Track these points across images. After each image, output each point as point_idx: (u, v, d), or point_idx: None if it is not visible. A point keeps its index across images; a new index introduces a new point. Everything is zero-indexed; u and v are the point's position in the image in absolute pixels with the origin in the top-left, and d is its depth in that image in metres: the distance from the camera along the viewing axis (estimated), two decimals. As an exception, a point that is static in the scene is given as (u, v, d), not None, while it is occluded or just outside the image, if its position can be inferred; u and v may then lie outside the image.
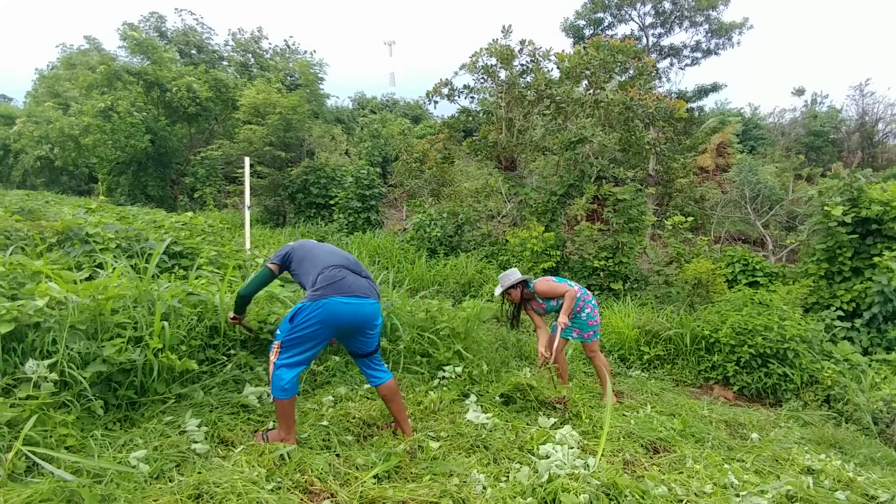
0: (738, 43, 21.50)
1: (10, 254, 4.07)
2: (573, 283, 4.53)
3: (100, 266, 4.30)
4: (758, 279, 9.77)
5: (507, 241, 10.58)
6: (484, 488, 2.45)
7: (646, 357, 6.21)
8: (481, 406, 3.67)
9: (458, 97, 12.64)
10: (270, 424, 2.96)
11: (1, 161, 18.13)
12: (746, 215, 16.32)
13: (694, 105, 22.14)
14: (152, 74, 16.80)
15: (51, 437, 2.34)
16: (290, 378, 2.67)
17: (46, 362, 2.51)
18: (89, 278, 3.96)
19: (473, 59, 11.91)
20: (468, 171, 16.47)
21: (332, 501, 2.31)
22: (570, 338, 4.55)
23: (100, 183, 16.62)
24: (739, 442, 3.97)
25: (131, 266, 4.14)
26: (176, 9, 23.12)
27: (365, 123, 22.78)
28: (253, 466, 2.43)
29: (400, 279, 7.68)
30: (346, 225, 13.83)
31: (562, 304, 4.37)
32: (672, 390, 5.46)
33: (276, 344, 2.72)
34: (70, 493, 2.05)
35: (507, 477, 2.61)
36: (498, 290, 4.58)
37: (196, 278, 4.14)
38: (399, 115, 28.52)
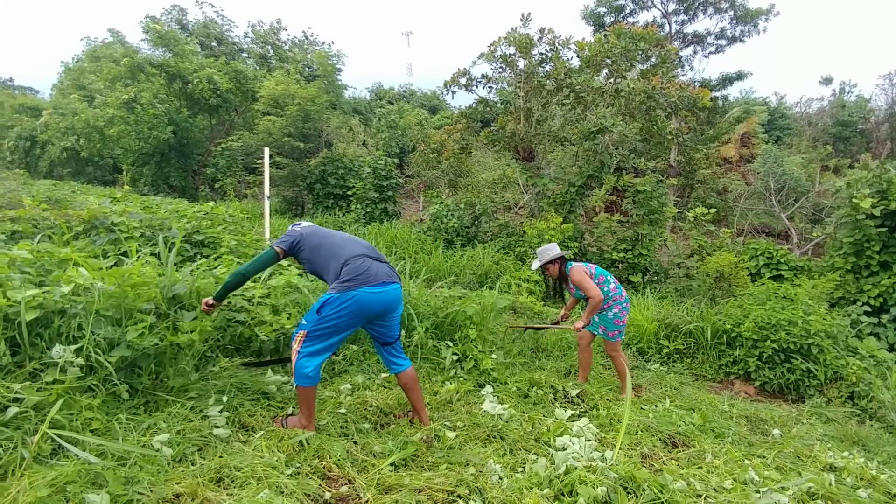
0: (763, 30, 20.86)
1: (38, 242, 4.18)
2: (610, 278, 4.40)
3: (124, 254, 4.39)
4: (782, 273, 9.55)
5: (524, 232, 10.51)
6: (500, 478, 2.46)
7: (665, 351, 6.12)
8: (497, 397, 3.67)
9: (476, 87, 12.51)
10: (290, 410, 3.01)
11: (28, 152, 18.60)
12: (771, 207, 15.92)
13: (718, 94, 21.59)
14: (174, 66, 17.03)
15: (76, 420, 2.40)
16: (314, 366, 2.70)
17: (73, 347, 2.57)
18: (115, 266, 4.06)
19: (491, 48, 11.77)
20: (485, 161, 16.37)
21: (349, 487, 2.34)
22: (595, 333, 4.42)
23: (124, 173, 16.96)
24: (760, 438, 3.90)
25: (154, 254, 4.22)
26: (197, 1, 23.33)
27: (382, 114, 22.80)
28: (273, 452, 2.48)
29: (416, 270, 7.71)
30: (364, 215, 13.90)
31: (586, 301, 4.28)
32: (691, 385, 5.38)
33: (300, 333, 2.73)
34: (95, 475, 2.10)
35: (524, 468, 2.60)
36: (535, 265, 4.43)
37: (216, 267, 4.20)
38: (416, 105, 28.44)
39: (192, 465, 2.32)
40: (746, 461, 3.09)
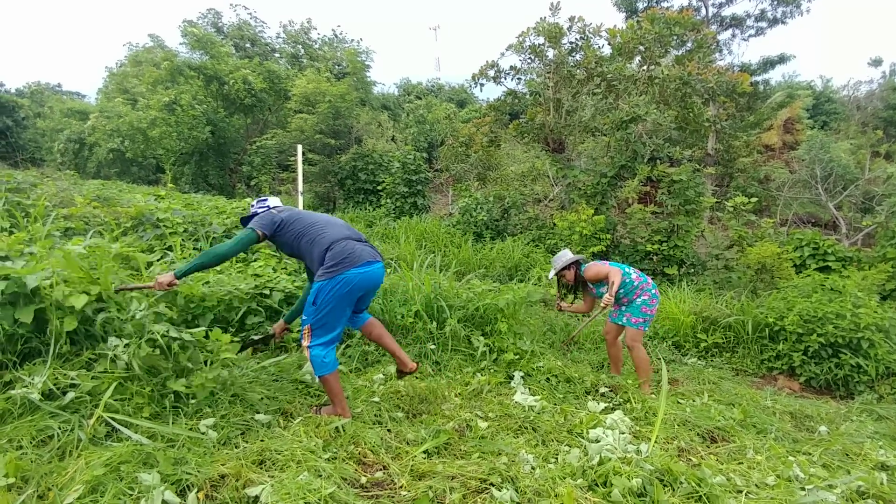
0: (807, 10, 19.73)
1: (90, 238, 4.42)
2: (631, 270, 4.32)
3: (169, 248, 4.58)
4: (829, 264, 9.13)
5: (554, 224, 10.40)
6: (532, 468, 2.46)
7: (702, 345, 5.96)
8: (528, 388, 3.67)
9: (505, 79, 12.43)
10: (326, 399, 3.09)
11: (77, 153, 19.50)
12: (817, 196, 15.21)
13: (759, 78, 20.64)
14: (211, 69, 17.56)
15: (128, 405, 2.53)
16: (328, 354, 2.77)
17: (125, 340, 2.70)
18: (161, 259, 4.25)
19: (520, 39, 11.65)
20: (514, 154, 16.25)
21: (384, 473, 2.39)
22: (621, 322, 4.35)
23: (167, 172, 17.64)
24: (806, 435, 3.75)
25: (197, 248, 4.39)
26: (231, 4, 24.02)
27: (410, 109, 22.89)
28: (310, 437, 2.56)
29: (446, 263, 7.73)
30: (394, 210, 14.03)
31: (618, 291, 4.20)
32: (731, 379, 5.23)
33: (305, 329, 2.78)
34: (146, 455, 2.22)
35: (556, 459, 2.60)
36: (551, 273, 4.46)
37: (255, 260, 4.34)
38: (444, 99, 28.42)
39: (236, 447, 2.41)
40: (791, 458, 2.99)
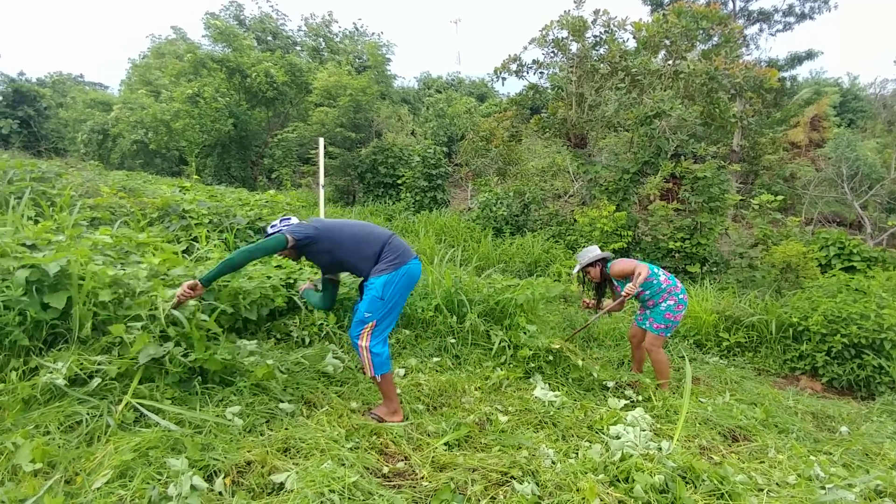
0: (835, 6, 19.24)
1: (117, 227, 4.53)
2: (659, 271, 4.14)
3: (195, 239, 4.67)
4: (854, 264, 8.93)
5: (575, 220, 10.32)
6: (553, 463, 2.47)
7: (724, 344, 5.88)
8: (549, 384, 3.67)
9: (527, 73, 12.33)
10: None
11: (101, 144, 19.83)
12: (843, 195, 14.81)
13: (786, 74, 20.12)
14: (234, 61, 17.75)
15: (156, 391, 2.59)
16: (385, 351, 2.80)
17: (139, 324, 2.74)
18: (186, 250, 4.34)
19: (543, 32, 11.53)
20: (535, 149, 16.14)
21: (406, 464, 2.43)
22: (644, 327, 4.21)
23: (189, 164, 17.92)
24: (827, 434, 3.73)
25: (222, 239, 4.47)
26: (253, -4, 24.19)
27: (430, 103, 22.87)
28: (333, 426, 2.61)
29: (466, 258, 7.74)
30: (413, 204, 14.06)
31: (645, 293, 4.07)
32: (753, 379, 5.16)
33: (367, 326, 2.75)
34: (174, 441, 2.28)
35: (577, 454, 2.60)
36: (576, 268, 4.30)
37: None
38: (464, 93, 28.30)
39: (261, 435, 2.47)
40: (812, 457, 2.96)
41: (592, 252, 4.22)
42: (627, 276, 4.07)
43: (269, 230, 2.93)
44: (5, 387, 2.46)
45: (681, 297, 4.07)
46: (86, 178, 7.52)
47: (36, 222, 4.13)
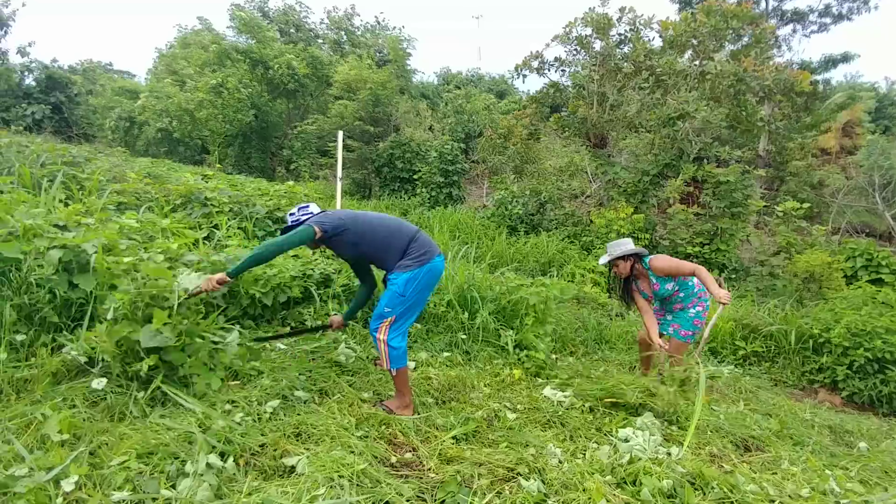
0: (875, 7, 18.61)
1: (142, 213, 4.64)
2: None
3: (216, 226, 4.76)
4: (882, 276, 8.66)
5: (591, 221, 10.23)
6: (560, 462, 2.47)
7: (741, 353, 5.79)
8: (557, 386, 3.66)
9: (549, 70, 12.24)
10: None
11: (127, 131, 20.23)
12: (874, 205, 14.42)
13: (819, 77, 19.58)
14: (257, 53, 17.92)
15: (179, 374, 2.65)
16: (403, 345, 2.82)
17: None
18: (207, 237, 4.43)
19: (567, 29, 11.43)
20: (553, 148, 16.02)
21: (413, 455, 2.45)
22: (665, 332, 3.91)
23: (211, 154, 18.18)
24: (845, 450, 3.63)
25: (241, 228, 4.54)
26: (278, -11, 24.38)
27: (449, 99, 22.80)
28: (344, 415, 2.65)
29: (480, 255, 7.74)
30: (429, 199, 14.08)
31: (678, 295, 3.83)
32: (769, 389, 5.07)
33: (386, 321, 2.76)
34: (200, 420, 2.34)
35: (584, 455, 2.60)
36: (604, 259, 3.94)
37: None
38: (484, 90, 28.17)
39: (276, 420, 2.51)
40: (828, 472, 2.90)
41: (626, 245, 3.88)
42: (671, 275, 3.76)
43: (289, 218, 2.94)
44: (36, 360, 2.59)
45: (708, 303, 3.86)
46: (113, 163, 7.71)
47: (66, 205, 4.25)
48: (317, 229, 2.73)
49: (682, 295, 3.84)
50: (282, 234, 2.88)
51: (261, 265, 2.98)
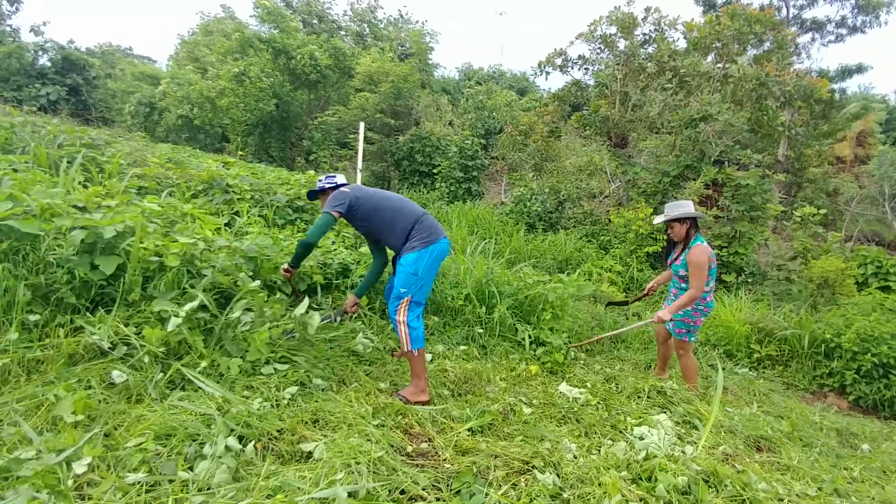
0: (885, 22, 18.57)
1: (164, 197, 4.70)
2: (713, 277, 3.84)
3: (237, 213, 4.83)
4: (890, 284, 8.64)
5: (609, 220, 10.17)
6: (575, 457, 2.49)
7: (755, 356, 5.77)
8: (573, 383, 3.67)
9: (572, 68, 12.14)
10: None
11: (147, 117, 20.33)
12: (883, 214, 14.18)
13: (836, 86, 19.37)
14: (280, 42, 18.01)
15: (198, 362, 2.67)
16: (421, 326, 2.93)
17: (187, 306, 2.78)
18: (228, 224, 4.50)
19: (591, 27, 11.33)
20: (573, 146, 15.92)
21: (429, 445, 2.49)
22: (668, 326, 4.02)
23: (231, 142, 18.33)
24: (849, 451, 3.70)
25: (261, 215, 4.60)
26: (302, -21, 24.44)
27: (470, 95, 22.74)
28: (361, 403, 2.69)
29: (498, 251, 7.75)
30: (448, 194, 14.10)
31: (683, 280, 3.82)
32: (781, 392, 5.07)
33: (403, 301, 2.87)
34: (219, 403, 2.40)
35: (599, 451, 2.62)
36: (660, 219, 3.86)
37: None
38: (505, 86, 28.03)
39: (294, 406, 2.57)
40: (827, 475, 2.92)
41: (687, 206, 3.77)
42: (689, 269, 3.70)
43: (319, 184, 3.24)
44: (50, 341, 2.53)
45: (708, 298, 3.83)
46: (134, 147, 7.80)
47: (85, 187, 4.27)
48: (335, 213, 2.94)
49: (684, 286, 3.83)
50: (308, 197, 3.36)
51: (309, 252, 3.15)
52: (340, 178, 3.23)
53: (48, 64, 22.69)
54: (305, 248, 3.02)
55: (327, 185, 3.18)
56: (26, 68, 21.70)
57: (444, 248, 3.00)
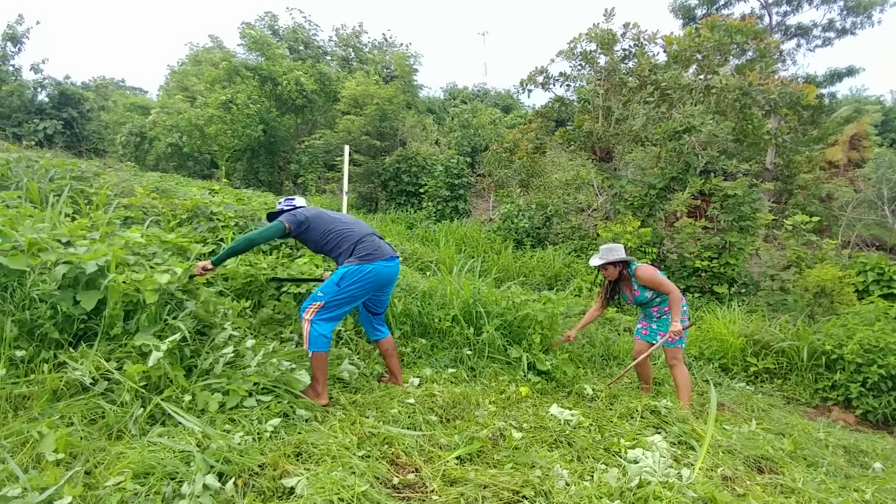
0: (878, 22, 18.75)
1: (147, 226, 4.64)
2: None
3: (221, 240, 4.76)
4: (894, 291, 8.52)
5: (598, 234, 10.17)
6: (567, 484, 2.40)
7: (752, 369, 5.67)
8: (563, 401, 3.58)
9: (553, 85, 12.29)
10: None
11: (137, 146, 20.49)
12: (883, 218, 14.28)
13: (825, 91, 19.61)
14: (266, 69, 18.20)
15: (180, 397, 2.61)
16: (329, 332, 2.96)
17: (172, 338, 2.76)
18: (212, 252, 4.42)
19: (571, 45, 11.50)
20: (559, 161, 16.03)
21: (416, 476, 2.39)
22: (653, 342, 4.14)
23: (220, 168, 18.35)
24: (860, 470, 3.53)
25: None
26: (287, 7, 24.93)
27: (455, 113, 22.97)
28: (346, 433, 2.59)
29: (485, 269, 7.69)
30: (435, 213, 14.10)
31: (655, 300, 4.05)
32: (781, 408, 4.94)
33: (316, 304, 2.95)
34: (197, 441, 2.30)
35: (592, 476, 2.52)
36: (596, 261, 4.14)
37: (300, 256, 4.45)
38: (490, 104, 28.35)
39: (276, 438, 2.47)
40: (836, 498, 2.80)
41: (618, 252, 4.09)
42: (652, 287, 4.01)
43: (278, 206, 3.37)
44: (35, 377, 2.56)
45: (686, 308, 4.13)
46: (122, 178, 7.74)
47: (73, 219, 4.25)
48: (287, 225, 3.10)
49: (658, 300, 4.09)
50: (267, 219, 3.39)
51: (238, 255, 3.34)
52: (300, 201, 3.42)
53: (46, 99, 23.12)
54: (245, 246, 3.06)
55: (286, 207, 3.33)
56: (26, 105, 22.16)
57: (383, 270, 3.06)
